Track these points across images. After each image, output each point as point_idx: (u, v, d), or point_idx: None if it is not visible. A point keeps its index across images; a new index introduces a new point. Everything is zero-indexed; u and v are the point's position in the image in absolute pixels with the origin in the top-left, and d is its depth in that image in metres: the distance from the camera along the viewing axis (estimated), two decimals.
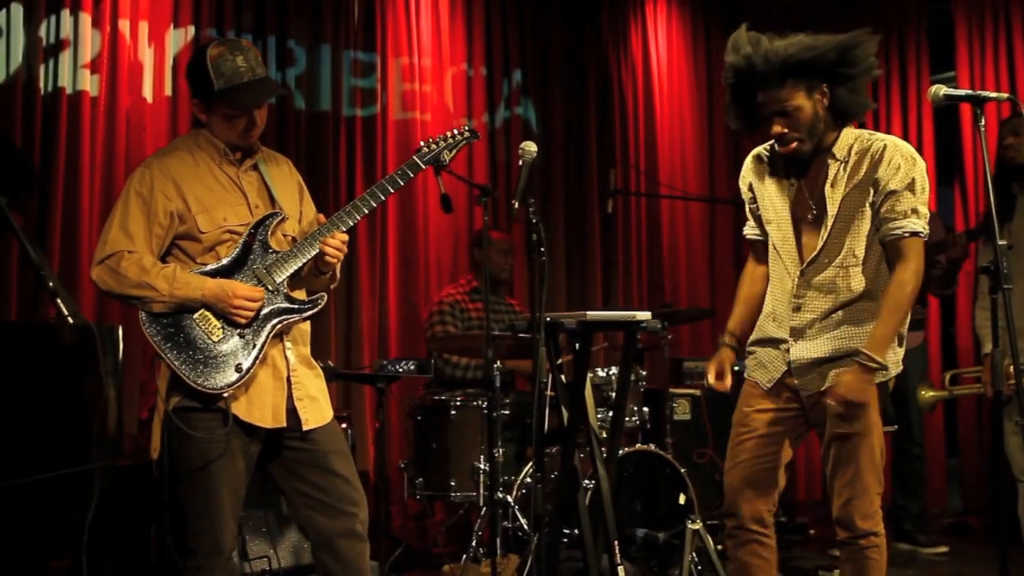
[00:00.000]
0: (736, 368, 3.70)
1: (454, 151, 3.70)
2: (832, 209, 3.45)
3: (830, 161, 3.49)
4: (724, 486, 3.67)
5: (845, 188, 3.45)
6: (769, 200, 3.61)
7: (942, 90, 3.26)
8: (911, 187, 3.39)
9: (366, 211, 3.50)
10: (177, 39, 6.18)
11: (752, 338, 3.67)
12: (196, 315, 3.29)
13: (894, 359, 3.51)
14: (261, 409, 3.34)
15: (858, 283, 3.44)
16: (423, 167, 3.64)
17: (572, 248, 7.65)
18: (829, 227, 3.45)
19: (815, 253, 3.47)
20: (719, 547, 5.00)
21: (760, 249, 3.74)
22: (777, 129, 3.44)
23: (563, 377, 4.26)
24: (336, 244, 3.41)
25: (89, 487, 2.90)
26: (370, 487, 5.68)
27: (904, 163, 3.40)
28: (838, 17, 7.97)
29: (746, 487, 3.58)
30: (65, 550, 3.34)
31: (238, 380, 3.27)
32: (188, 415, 3.27)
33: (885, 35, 7.80)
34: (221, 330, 3.29)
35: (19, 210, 4.06)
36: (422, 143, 3.69)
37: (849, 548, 3.48)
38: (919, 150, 7.42)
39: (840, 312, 3.45)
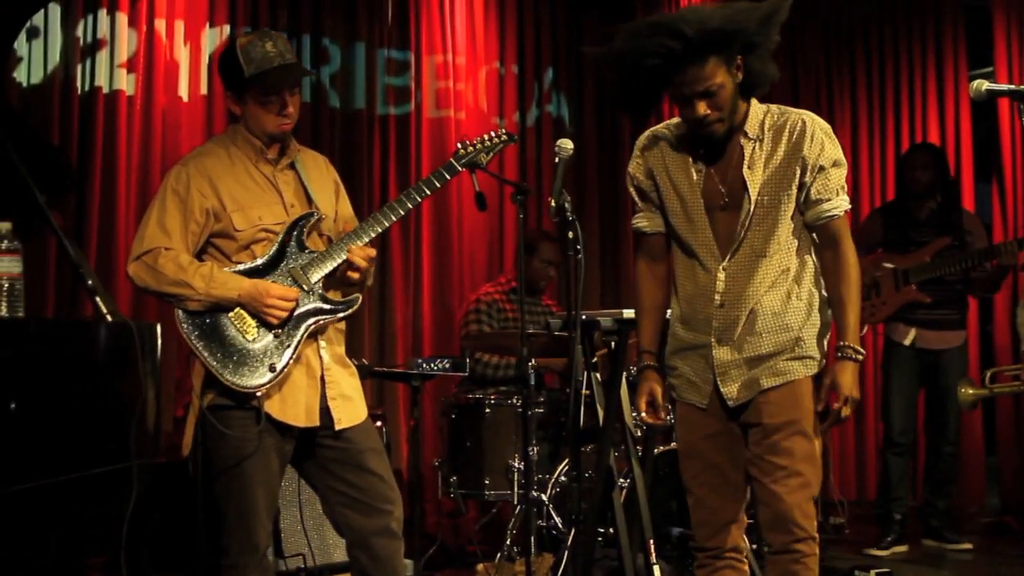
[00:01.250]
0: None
1: (491, 154, 3.70)
2: (753, 193, 3.12)
3: (742, 140, 3.16)
4: (691, 521, 3.31)
5: (764, 169, 3.14)
6: (675, 188, 3.22)
7: (984, 85, 3.16)
8: (837, 163, 3.16)
9: (402, 212, 3.50)
10: (213, 38, 6.22)
11: (669, 350, 3.31)
12: (231, 314, 3.30)
13: (823, 350, 3.23)
14: (295, 408, 3.34)
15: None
16: (460, 170, 3.63)
17: (606, 246, 7.63)
18: (750, 213, 3.13)
19: (736, 243, 3.14)
20: (754, 546, 4.98)
21: (656, 246, 3.36)
22: (701, 111, 3.07)
23: (598, 375, 4.25)
24: (361, 258, 3.40)
25: (128, 485, 2.92)
26: (404, 485, 5.67)
27: (827, 138, 3.15)
28: (872, 13, 7.93)
29: (715, 523, 3.25)
30: (103, 547, 3.36)
31: (272, 380, 3.27)
32: (222, 413, 3.29)
33: (921, 31, 7.74)
34: (256, 329, 3.30)
35: (58, 208, 4.08)
36: (459, 145, 3.68)
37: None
38: (957, 147, 7.46)
39: None
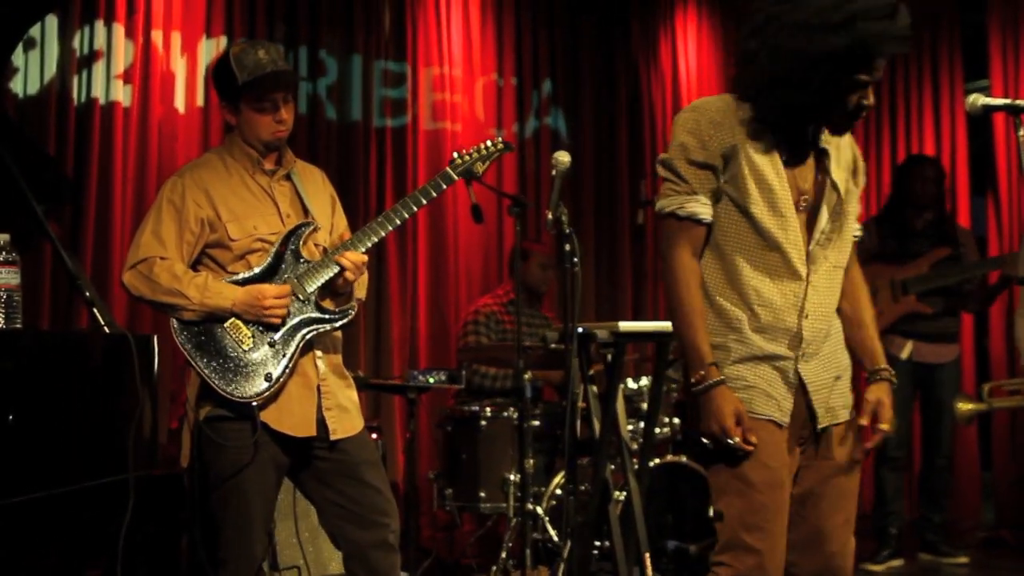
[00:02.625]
0: None
1: (487, 163, 3.69)
2: (842, 195, 2.81)
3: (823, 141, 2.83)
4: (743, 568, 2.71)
5: (844, 171, 2.85)
6: (758, 174, 2.74)
7: (980, 99, 3.14)
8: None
9: (398, 222, 3.50)
10: (209, 49, 6.22)
11: (733, 357, 2.76)
12: (227, 324, 3.29)
13: None
14: (291, 418, 3.33)
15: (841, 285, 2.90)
16: (456, 179, 3.63)
17: (602, 259, 7.63)
18: (840, 217, 2.82)
19: (818, 250, 2.80)
20: None
21: (702, 238, 2.80)
22: (871, 100, 2.69)
23: (594, 388, 4.25)
24: (353, 260, 3.40)
25: (124, 496, 2.91)
26: (400, 497, 5.66)
27: (860, 156, 2.92)
28: None
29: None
30: (99, 558, 3.36)
31: (267, 389, 3.26)
32: (219, 424, 3.28)
33: (917, 44, 7.76)
34: (251, 339, 3.29)
35: (54, 219, 4.08)
36: (455, 154, 3.68)
37: None
38: (952, 159, 7.48)
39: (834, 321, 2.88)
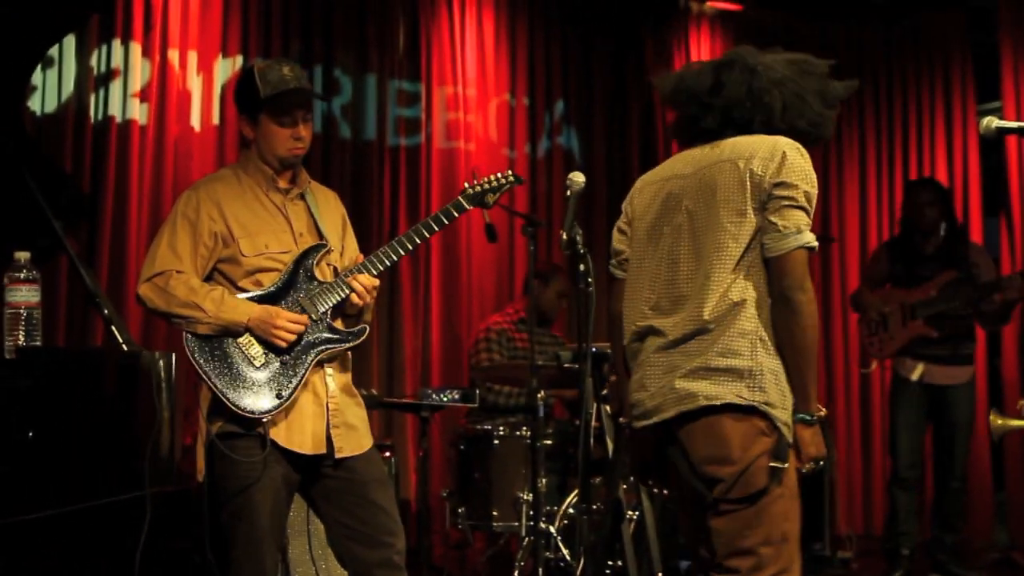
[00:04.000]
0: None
1: (498, 195, 3.72)
2: None
3: None
4: None
5: None
6: None
7: (994, 122, 3.15)
8: None
9: (410, 247, 3.52)
10: (225, 68, 6.26)
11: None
12: (241, 340, 3.31)
13: None
14: (301, 435, 3.35)
15: None
16: (468, 208, 3.66)
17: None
18: None
19: None
20: None
21: None
22: None
23: (607, 407, 4.25)
24: (364, 284, 3.42)
25: (141, 513, 2.93)
26: (412, 516, 5.68)
27: None
28: (880, 49, 7.99)
29: None
30: (116, 575, 3.37)
31: (277, 407, 3.28)
32: (231, 441, 3.29)
33: (929, 67, 7.79)
34: (264, 356, 3.31)
35: (72, 236, 4.11)
36: (467, 184, 3.70)
37: None
38: (964, 181, 7.49)
39: None
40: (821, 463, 2.88)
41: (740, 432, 2.78)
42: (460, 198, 3.66)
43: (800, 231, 2.80)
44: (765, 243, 2.82)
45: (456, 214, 3.62)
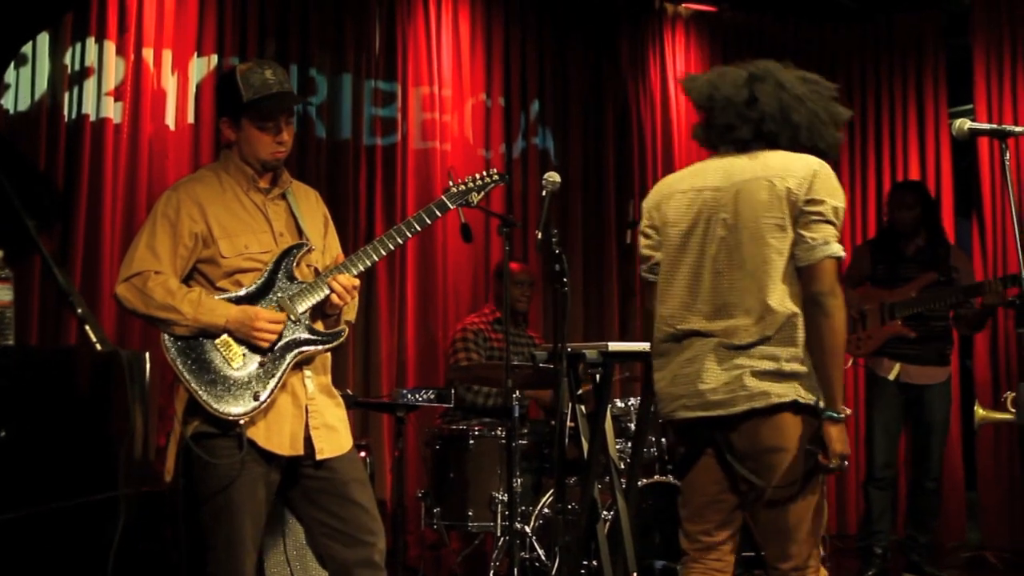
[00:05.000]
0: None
1: (482, 193, 3.73)
2: None
3: None
4: None
5: None
6: None
7: (967, 124, 3.22)
8: None
9: (392, 247, 3.52)
10: (200, 67, 6.24)
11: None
12: (218, 341, 3.30)
13: None
14: (279, 436, 3.34)
15: None
16: (451, 207, 3.66)
17: (590, 279, 7.65)
18: None
19: None
20: None
21: None
22: None
23: (583, 408, 4.26)
24: (344, 284, 3.42)
25: (114, 514, 2.91)
26: (387, 516, 5.67)
27: None
28: (855, 51, 8.03)
29: None
30: None
31: (255, 408, 3.27)
32: (208, 442, 3.28)
33: (903, 70, 7.84)
34: (242, 357, 3.31)
35: (46, 235, 4.08)
36: (451, 183, 3.71)
37: None
38: (937, 183, 7.54)
39: None
40: (845, 461, 3.07)
41: (796, 426, 3.07)
42: (444, 197, 3.66)
43: (828, 242, 3.07)
44: (796, 254, 3.08)
45: (439, 213, 3.62)
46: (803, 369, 3.08)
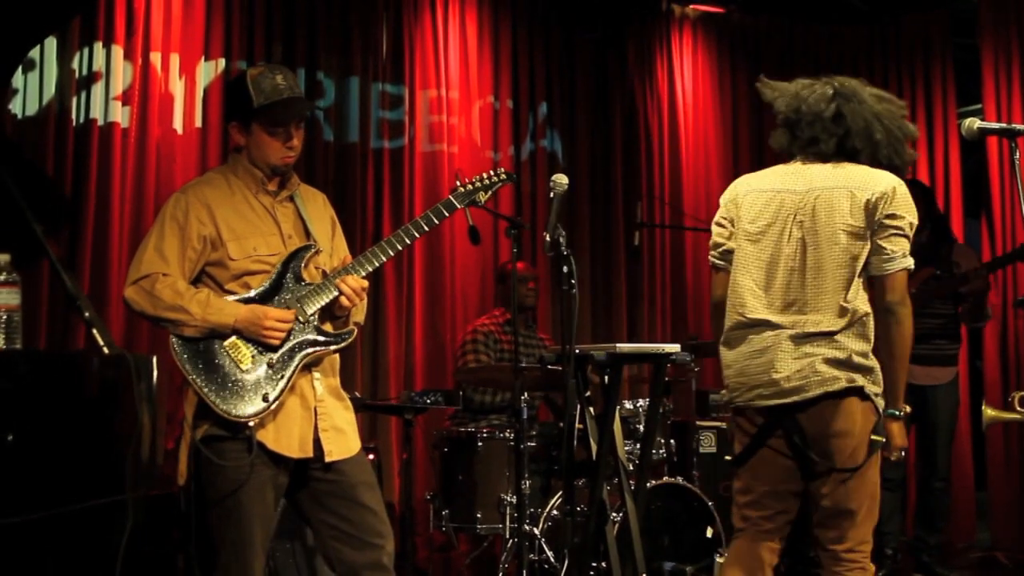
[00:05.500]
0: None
1: (490, 192, 3.72)
2: None
3: None
4: None
5: None
6: None
7: (976, 123, 3.27)
8: None
9: (400, 248, 3.52)
10: (208, 71, 6.24)
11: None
12: (227, 343, 3.30)
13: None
14: (288, 439, 3.34)
15: None
16: (459, 207, 3.65)
17: (598, 280, 7.65)
18: None
19: None
20: None
21: None
22: None
23: (591, 409, 4.25)
24: (352, 286, 3.41)
25: (122, 517, 2.91)
26: (396, 518, 5.67)
27: None
28: (863, 52, 8.01)
29: None
30: None
31: (264, 410, 3.27)
32: (218, 445, 3.29)
33: (911, 69, 7.82)
34: (251, 359, 3.30)
35: (53, 239, 4.09)
36: (458, 183, 3.70)
37: None
38: (945, 182, 7.52)
39: None
40: (904, 453, 3.41)
41: (861, 412, 3.31)
42: (451, 197, 3.66)
43: (904, 255, 3.34)
44: (873, 262, 3.33)
45: (447, 213, 3.61)
46: (870, 364, 3.32)
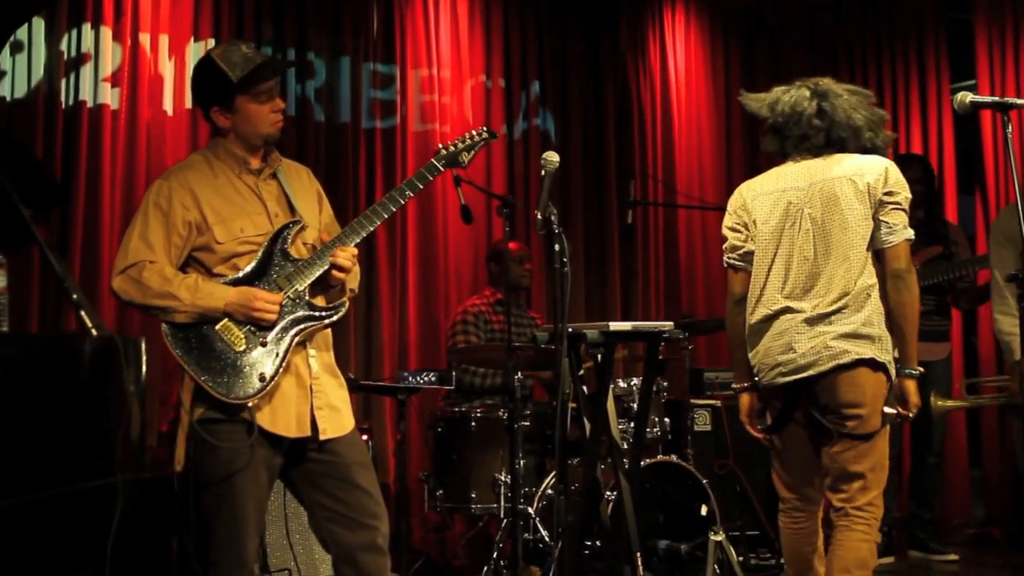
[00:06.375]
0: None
1: (472, 152, 3.69)
2: None
3: None
4: None
5: None
6: None
7: (968, 97, 3.29)
8: None
9: (385, 216, 3.49)
10: (197, 52, 6.19)
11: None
12: (218, 326, 3.29)
13: None
14: (285, 418, 3.33)
15: None
16: (441, 169, 3.63)
17: (591, 259, 7.63)
18: None
19: None
20: (741, 558, 4.98)
21: None
22: None
23: (584, 388, 4.25)
24: (345, 258, 3.40)
25: (112, 500, 2.90)
26: (390, 499, 5.67)
27: None
28: (856, 28, 7.98)
29: None
30: (87, 565, 3.34)
31: (261, 389, 3.26)
32: (213, 427, 3.27)
33: (904, 45, 7.80)
34: (244, 340, 3.29)
35: (42, 222, 4.07)
36: (440, 146, 3.69)
37: None
38: (940, 159, 7.50)
39: None
40: (916, 410, 3.70)
41: (872, 383, 3.61)
42: (433, 160, 3.64)
43: (905, 227, 3.66)
44: (880, 236, 3.64)
45: (430, 177, 3.59)
46: (877, 332, 3.61)
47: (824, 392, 3.64)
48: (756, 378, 3.80)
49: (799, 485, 3.83)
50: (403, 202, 3.53)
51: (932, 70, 7.68)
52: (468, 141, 3.70)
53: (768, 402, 3.84)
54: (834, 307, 3.63)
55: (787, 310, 3.70)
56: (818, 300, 3.66)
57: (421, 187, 3.56)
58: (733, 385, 4.00)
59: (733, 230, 3.89)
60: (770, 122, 3.85)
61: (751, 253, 3.82)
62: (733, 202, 3.91)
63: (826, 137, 3.76)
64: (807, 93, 3.78)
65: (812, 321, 3.65)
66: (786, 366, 3.68)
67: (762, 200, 3.82)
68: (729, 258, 3.89)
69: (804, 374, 3.64)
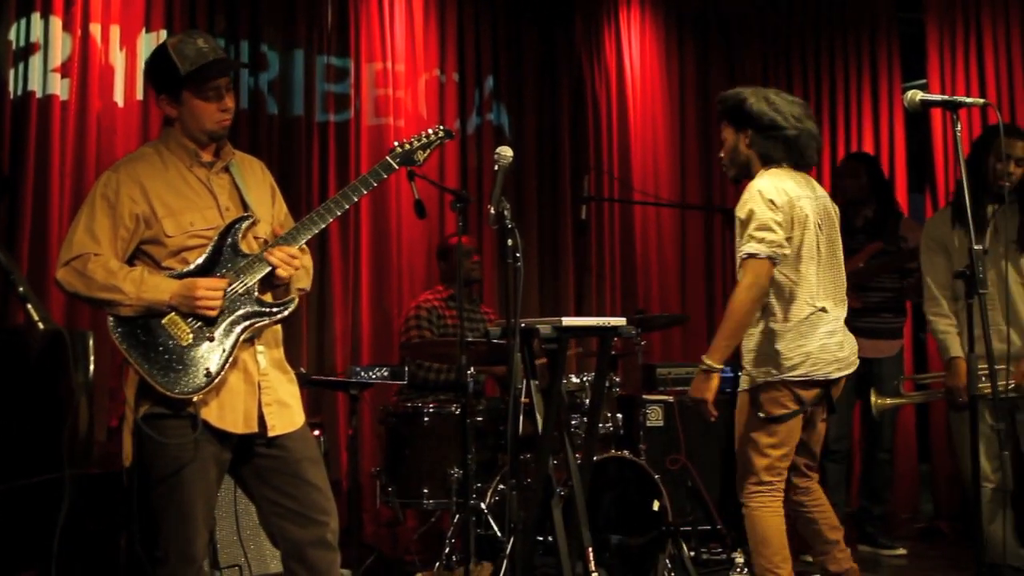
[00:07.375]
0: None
1: (428, 151, 3.68)
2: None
3: None
4: None
5: None
6: None
7: (918, 95, 3.30)
8: (748, 217, 3.97)
9: (338, 213, 3.47)
10: (149, 43, 6.14)
11: None
12: (165, 320, 3.25)
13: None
14: (233, 414, 3.30)
15: None
16: (396, 168, 3.61)
17: (545, 254, 7.64)
18: None
19: None
20: (692, 553, 5.00)
21: None
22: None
23: (537, 383, 4.24)
24: (280, 256, 3.36)
25: (59, 495, 2.87)
26: (342, 494, 5.65)
27: (746, 195, 4.02)
28: (809, 26, 8.03)
29: None
30: (33, 560, 3.30)
31: (207, 384, 3.23)
32: (158, 422, 3.23)
33: (856, 44, 7.85)
34: (191, 334, 3.26)
35: None
36: (395, 144, 3.67)
37: None
38: (890, 157, 7.57)
39: None
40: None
41: None
42: (388, 158, 3.62)
43: None
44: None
45: (384, 175, 3.57)
46: None
47: (838, 387, 4.16)
48: (796, 370, 4.00)
49: (802, 464, 4.23)
50: (356, 199, 3.50)
51: (884, 69, 7.74)
52: (424, 140, 3.69)
53: (778, 396, 4.03)
54: (845, 313, 4.14)
55: (826, 310, 4.05)
56: (841, 304, 4.12)
57: (375, 185, 3.54)
58: (713, 365, 3.96)
59: (782, 226, 3.96)
60: (783, 133, 4.04)
61: (787, 251, 3.99)
62: (779, 197, 3.97)
63: (817, 153, 4.16)
64: (808, 111, 4.14)
65: (843, 325, 4.11)
66: (842, 362, 4.07)
67: (804, 202, 4.02)
68: (775, 251, 3.93)
69: (851, 370, 4.12)
